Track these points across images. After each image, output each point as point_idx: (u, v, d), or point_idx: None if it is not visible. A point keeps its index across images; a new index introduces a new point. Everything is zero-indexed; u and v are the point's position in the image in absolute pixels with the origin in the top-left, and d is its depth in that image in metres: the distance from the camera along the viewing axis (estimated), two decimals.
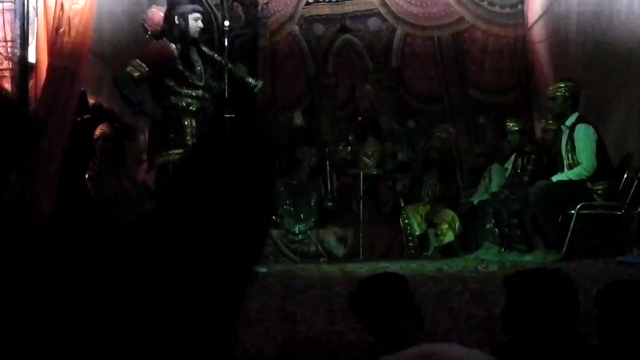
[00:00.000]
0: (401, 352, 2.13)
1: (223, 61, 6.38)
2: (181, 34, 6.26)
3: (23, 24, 6.48)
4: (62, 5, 6.42)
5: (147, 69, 6.07)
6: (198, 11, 6.40)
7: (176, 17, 6.28)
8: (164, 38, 6.29)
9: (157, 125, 6.28)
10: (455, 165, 9.05)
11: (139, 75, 6.06)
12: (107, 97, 7.83)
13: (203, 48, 6.46)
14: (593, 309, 2.81)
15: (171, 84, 6.18)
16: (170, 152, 6.15)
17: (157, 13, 6.48)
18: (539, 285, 2.80)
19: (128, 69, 6.08)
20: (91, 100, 7.36)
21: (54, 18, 6.43)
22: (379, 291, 2.91)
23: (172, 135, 6.17)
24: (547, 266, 4.62)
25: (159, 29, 6.38)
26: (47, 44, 6.45)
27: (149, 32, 6.44)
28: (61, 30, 6.41)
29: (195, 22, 6.30)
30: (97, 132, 7.07)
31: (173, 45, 6.23)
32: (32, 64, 6.45)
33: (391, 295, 2.88)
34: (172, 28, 6.27)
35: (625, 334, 2.68)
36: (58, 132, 6.35)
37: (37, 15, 6.54)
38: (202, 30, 6.42)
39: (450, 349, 2.08)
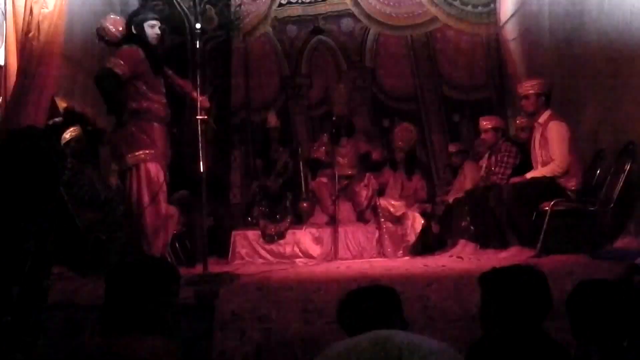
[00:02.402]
0: (356, 337, 2.13)
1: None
2: (141, 42, 6.26)
3: None
4: (31, 9, 6.38)
5: (127, 68, 6.07)
6: (154, 18, 6.41)
7: (133, 26, 6.30)
8: (131, 44, 6.27)
9: (125, 128, 6.25)
10: (425, 163, 9.12)
11: (122, 73, 6.05)
12: (80, 99, 7.78)
13: (167, 69, 6.51)
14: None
15: (144, 88, 6.18)
16: (142, 151, 6.15)
17: (118, 21, 6.47)
18: (513, 283, 2.81)
19: (110, 65, 6.05)
20: (63, 104, 7.30)
21: (23, 22, 6.39)
22: (369, 303, 2.89)
23: (144, 137, 6.17)
24: (522, 263, 4.63)
25: (118, 36, 6.37)
26: (17, 48, 6.40)
27: (106, 39, 6.43)
28: (31, 34, 6.37)
29: (151, 29, 6.31)
30: (67, 135, 7.02)
31: (142, 51, 6.22)
32: (1, 67, 6.40)
33: (382, 308, 2.87)
34: (131, 36, 6.27)
35: (597, 331, 2.71)
36: None
37: (5, 19, 6.49)
38: (161, 37, 6.42)
39: (404, 335, 2.09)
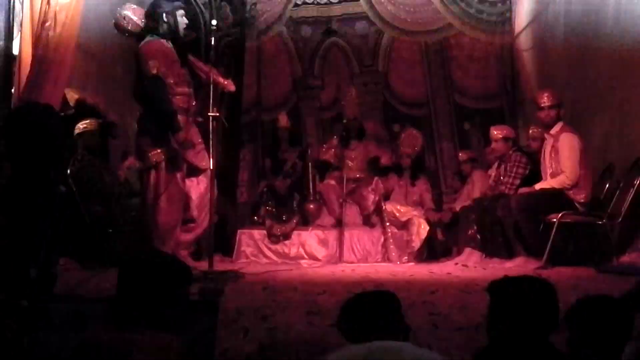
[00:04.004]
0: (356, 345, 2.12)
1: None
2: (170, 32, 6.25)
3: (9, 17, 6.44)
4: None
5: (162, 66, 6.07)
6: (182, 8, 6.42)
7: (164, 15, 6.28)
8: (154, 35, 6.26)
9: (152, 122, 6.24)
10: (434, 170, 9.12)
11: (161, 74, 6.05)
12: (92, 92, 7.79)
13: (190, 56, 6.49)
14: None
15: (171, 81, 6.18)
16: (164, 148, 6.14)
17: (138, 10, 6.46)
18: (523, 293, 2.80)
19: (154, 72, 6.02)
20: (75, 95, 7.32)
21: (40, 12, 6.39)
22: (369, 309, 2.89)
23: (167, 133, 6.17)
24: (528, 274, 4.63)
25: (140, 26, 6.36)
26: (32, 38, 6.41)
27: (127, 30, 6.42)
28: (47, 24, 6.37)
29: (182, 18, 6.32)
30: (82, 127, 7.03)
31: (169, 44, 6.22)
32: (16, 56, 6.42)
33: (383, 314, 2.87)
34: (157, 26, 6.26)
35: (596, 347, 2.73)
36: None
37: (22, 8, 6.50)
38: (187, 26, 6.43)
39: (404, 346, 2.08)
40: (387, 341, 2.39)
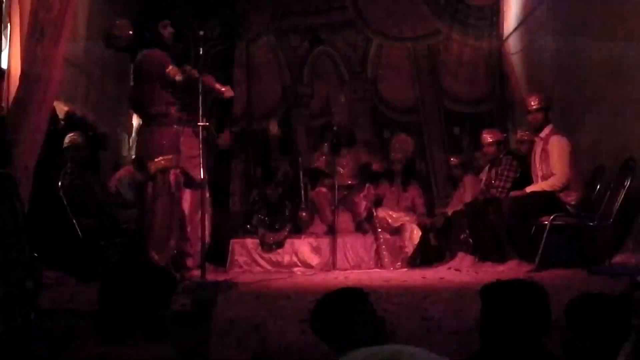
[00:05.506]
0: (368, 348, 2.12)
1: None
2: (162, 43, 6.23)
3: None
4: (36, 12, 6.36)
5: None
6: (166, 18, 6.41)
7: (144, 30, 6.27)
8: (151, 48, 6.23)
9: (152, 132, 6.20)
10: (425, 176, 9.13)
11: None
12: (81, 105, 7.78)
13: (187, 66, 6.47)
14: (563, 320, 2.84)
15: (170, 90, 6.15)
16: (163, 157, 6.10)
17: (126, 25, 6.43)
18: (515, 297, 2.81)
19: (178, 78, 6.01)
20: (65, 108, 7.30)
21: (28, 25, 6.37)
22: (337, 307, 2.92)
23: (164, 142, 6.12)
24: (520, 277, 4.64)
25: (128, 40, 6.34)
26: (21, 51, 6.39)
27: (115, 44, 6.40)
28: (35, 37, 6.35)
29: (164, 29, 6.29)
30: (67, 141, 6.99)
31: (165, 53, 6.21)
32: (4, 70, 6.39)
33: (349, 310, 2.89)
34: (152, 38, 6.23)
35: (592, 345, 2.72)
36: (31, 140, 6.28)
37: (10, 21, 6.49)
38: (173, 35, 6.41)
39: (417, 351, 2.07)
40: (405, 345, 2.40)
